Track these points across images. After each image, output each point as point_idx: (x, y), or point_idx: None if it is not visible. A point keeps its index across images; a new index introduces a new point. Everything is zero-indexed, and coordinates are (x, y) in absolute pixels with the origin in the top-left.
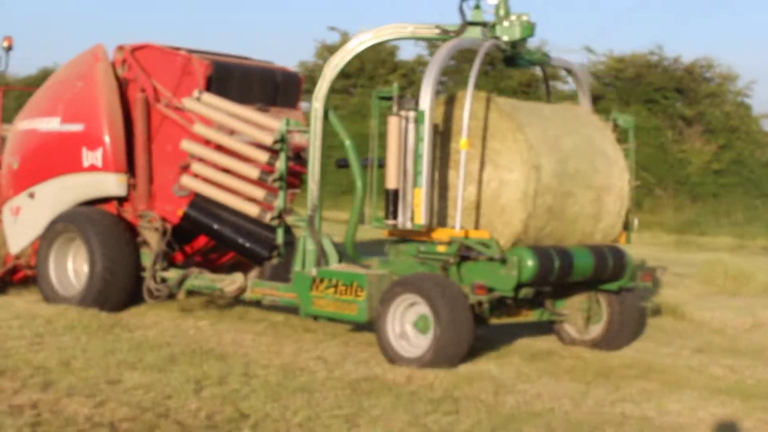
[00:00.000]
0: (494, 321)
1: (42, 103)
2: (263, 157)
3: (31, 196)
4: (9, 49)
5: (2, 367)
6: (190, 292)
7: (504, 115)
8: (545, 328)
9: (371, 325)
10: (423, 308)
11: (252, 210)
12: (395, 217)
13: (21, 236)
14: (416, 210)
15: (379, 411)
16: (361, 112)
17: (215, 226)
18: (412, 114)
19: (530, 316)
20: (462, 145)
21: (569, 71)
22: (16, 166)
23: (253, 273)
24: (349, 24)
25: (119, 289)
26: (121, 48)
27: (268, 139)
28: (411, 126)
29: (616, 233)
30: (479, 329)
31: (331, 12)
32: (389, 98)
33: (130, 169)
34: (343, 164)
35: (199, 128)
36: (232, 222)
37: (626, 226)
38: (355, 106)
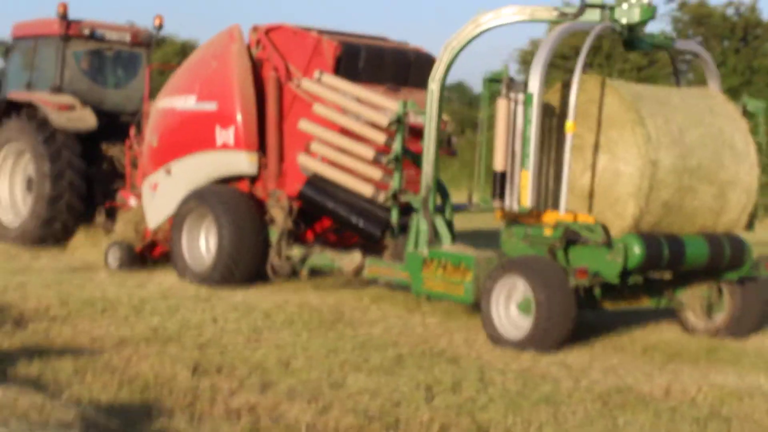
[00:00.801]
0: (609, 306)
1: (180, 81)
2: (380, 137)
3: (168, 172)
4: (160, 27)
5: (219, 364)
6: (313, 271)
7: (625, 104)
8: None
9: (477, 306)
10: (526, 290)
11: (366, 190)
12: (502, 198)
13: (158, 212)
14: (523, 192)
15: (636, 429)
16: None
17: (330, 205)
18: (521, 96)
19: (648, 302)
20: (568, 127)
21: (696, 55)
22: (155, 144)
23: (388, 252)
24: None
25: (246, 264)
26: (255, 29)
27: (383, 120)
28: (520, 109)
29: (740, 227)
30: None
31: None
32: (499, 81)
33: (262, 148)
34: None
35: (319, 108)
36: (347, 201)
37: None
38: None
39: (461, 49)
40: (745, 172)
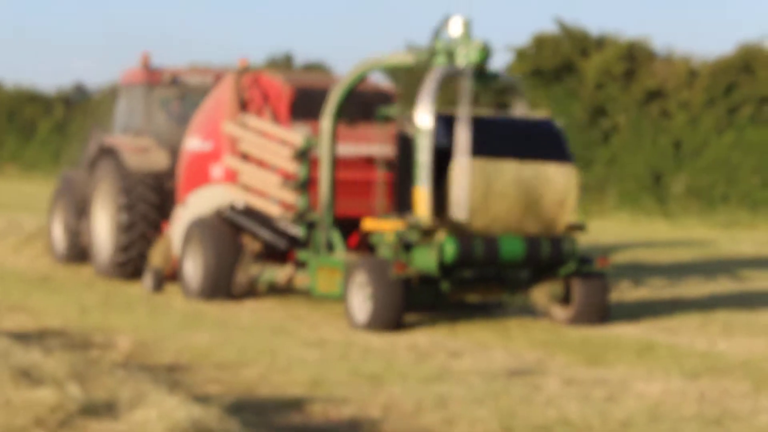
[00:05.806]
0: (473, 300)
1: (193, 124)
2: (292, 166)
3: (185, 204)
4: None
5: None
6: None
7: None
8: None
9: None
10: (367, 284)
11: (274, 210)
12: None
13: (179, 239)
14: None
15: None
16: None
17: (246, 224)
18: None
19: (502, 296)
20: None
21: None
22: (180, 180)
23: None
24: None
25: (225, 280)
26: (244, 76)
27: (287, 152)
28: None
29: (562, 224)
30: None
31: None
32: None
33: None
34: None
35: (242, 145)
36: (260, 220)
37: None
38: None
39: (348, 90)
40: (559, 177)
